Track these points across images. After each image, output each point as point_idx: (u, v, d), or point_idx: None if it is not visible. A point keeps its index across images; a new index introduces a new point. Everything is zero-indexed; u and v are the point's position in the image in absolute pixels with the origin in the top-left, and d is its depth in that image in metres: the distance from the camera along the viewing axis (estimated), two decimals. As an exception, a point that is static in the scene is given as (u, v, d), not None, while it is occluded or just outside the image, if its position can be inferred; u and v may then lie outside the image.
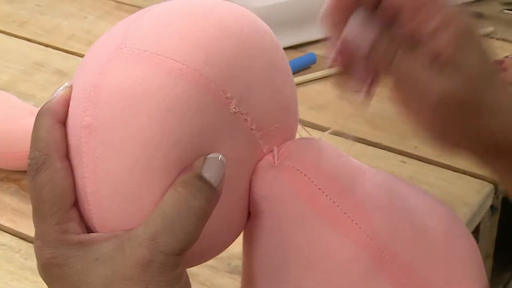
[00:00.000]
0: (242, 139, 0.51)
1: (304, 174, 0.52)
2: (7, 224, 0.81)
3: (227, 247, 0.55)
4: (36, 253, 0.49)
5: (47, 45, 1.09)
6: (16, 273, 0.76)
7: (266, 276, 0.53)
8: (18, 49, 1.08)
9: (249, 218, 0.54)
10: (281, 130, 0.53)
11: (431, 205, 0.56)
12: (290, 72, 0.55)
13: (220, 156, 0.48)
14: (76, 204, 0.49)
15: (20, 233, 0.80)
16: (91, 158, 0.48)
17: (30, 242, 0.78)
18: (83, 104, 0.48)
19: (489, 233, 0.92)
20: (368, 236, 0.51)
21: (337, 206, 0.52)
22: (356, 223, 0.51)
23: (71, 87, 0.50)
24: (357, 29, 0.56)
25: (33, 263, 0.75)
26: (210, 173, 0.47)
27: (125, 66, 0.48)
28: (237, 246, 0.55)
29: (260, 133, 0.51)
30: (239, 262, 0.72)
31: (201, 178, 0.47)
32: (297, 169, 0.52)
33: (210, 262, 0.75)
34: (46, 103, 0.50)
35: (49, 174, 0.48)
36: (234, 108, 0.49)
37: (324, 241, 0.51)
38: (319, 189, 0.52)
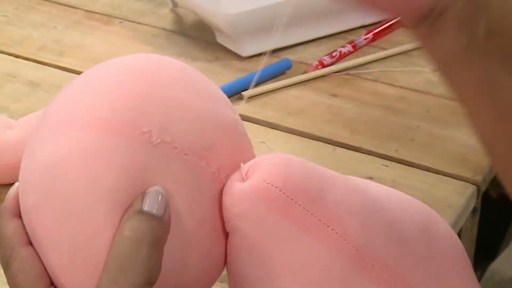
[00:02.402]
0: (178, 166, 0.51)
1: (275, 187, 0.52)
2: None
3: (218, 274, 0.55)
4: None
5: (17, 56, 1.07)
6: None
7: None
8: (-13, 60, 1.06)
9: (228, 238, 0.54)
10: (223, 146, 0.53)
11: (407, 204, 0.57)
12: (219, 92, 0.56)
13: (158, 188, 0.50)
14: (52, 282, 0.51)
15: None
16: (44, 235, 0.51)
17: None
18: (24, 188, 0.52)
19: (469, 234, 0.92)
20: (345, 240, 0.52)
21: (311, 214, 0.52)
22: (332, 229, 0.52)
23: None
24: None
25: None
26: (151, 205, 0.49)
27: (45, 140, 0.51)
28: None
29: (196, 156, 0.52)
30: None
31: (142, 212, 0.49)
32: (267, 183, 0.52)
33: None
34: (1, 205, 0.54)
35: (16, 264, 0.51)
36: (155, 140, 0.51)
37: (303, 250, 0.52)
38: (291, 199, 0.52)
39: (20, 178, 0.53)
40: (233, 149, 0.54)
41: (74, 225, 0.49)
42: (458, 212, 0.83)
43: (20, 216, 0.53)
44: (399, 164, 0.89)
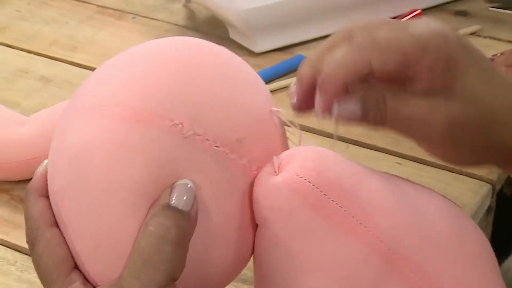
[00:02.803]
0: (209, 159, 0.50)
1: (309, 181, 0.51)
2: (0, 236, 0.80)
3: (243, 266, 0.54)
4: None
5: (29, 51, 1.07)
6: (13, 286, 0.75)
7: (278, 287, 0.53)
8: (-1, 56, 1.06)
9: (257, 229, 0.53)
10: (255, 139, 0.52)
11: (439, 203, 0.56)
12: (257, 81, 0.55)
13: (186, 181, 0.49)
14: (76, 265, 0.51)
15: (15, 244, 0.79)
16: (70, 220, 0.50)
17: (26, 254, 0.77)
18: (52, 172, 0.52)
19: (484, 233, 0.91)
20: (378, 238, 0.51)
21: (345, 210, 0.51)
22: (365, 226, 0.51)
23: None
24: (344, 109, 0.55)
25: (30, 275, 0.75)
26: (178, 200, 0.48)
27: (75, 126, 0.51)
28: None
29: (228, 148, 0.51)
30: (245, 272, 0.71)
31: (169, 207, 0.48)
32: (301, 177, 0.51)
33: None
34: (29, 183, 0.53)
35: (42, 245, 0.51)
36: (187, 131, 0.50)
37: (334, 247, 0.51)
38: (325, 195, 0.51)
39: (49, 159, 0.53)
40: (266, 141, 0.53)
41: (99, 214, 0.49)
42: (473, 211, 0.82)
43: (47, 196, 0.52)
44: (413, 162, 0.88)
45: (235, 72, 0.54)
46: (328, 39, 0.55)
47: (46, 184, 0.53)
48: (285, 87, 0.99)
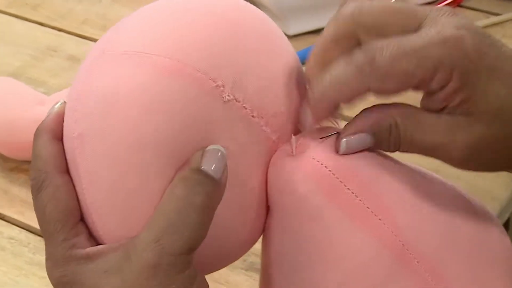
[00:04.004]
0: (243, 128, 0.48)
1: (325, 166, 0.48)
2: (16, 216, 0.79)
3: (249, 247, 0.52)
4: (47, 274, 0.47)
5: (60, 30, 1.06)
6: (24, 268, 0.74)
7: (284, 274, 0.50)
8: (30, 33, 1.05)
9: (268, 213, 0.51)
10: (290, 116, 0.50)
11: (464, 203, 0.52)
12: (294, 56, 0.52)
13: (219, 147, 0.46)
14: (83, 218, 0.48)
15: (29, 225, 0.78)
16: (86, 169, 0.46)
17: (39, 235, 0.75)
18: (74, 115, 0.47)
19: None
20: (392, 233, 0.48)
21: (360, 200, 0.48)
22: (380, 219, 0.48)
23: (65, 103, 0.49)
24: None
25: (42, 257, 0.73)
26: (209, 165, 0.45)
27: (107, 70, 0.46)
28: (253, 242, 0.52)
29: (263, 120, 0.48)
30: (255, 259, 0.69)
31: (200, 171, 0.45)
32: (317, 161, 0.49)
33: (225, 258, 0.73)
34: (42, 122, 0.49)
35: (50, 191, 0.47)
36: (228, 96, 0.47)
37: (345, 238, 0.48)
38: (341, 182, 0.48)
39: (69, 101, 0.48)
40: (298, 119, 0.51)
41: (121, 166, 0.45)
42: (503, 205, 0.78)
43: (60, 139, 0.48)
44: (443, 152, 0.84)
45: (279, 43, 0.51)
46: (333, 26, 0.51)
47: (61, 126, 0.49)
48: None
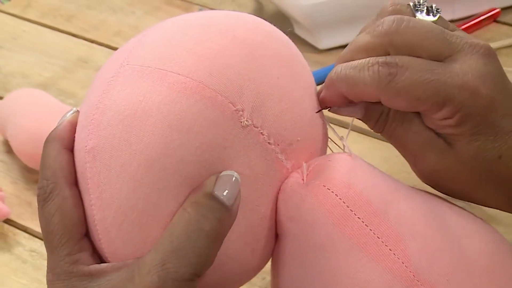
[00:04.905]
0: (259, 154, 0.47)
1: (335, 194, 0.48)
2: (38, 229, 0.78)
3: (255, 274, 0.51)
4: (48, 287, 0.47)
5: (92, 41, 1.06)
6: (44, 281, 0.73)
7: None
8: (62, 44, 1.05)
9: (277, 240, 0.50)
10: (305, 144, 0.49)
11: (475, 228, 0.51)
12: (313, 83, 0.52)
13: (233, 173, 0.45)
14: (87, 234, 0.47)
15: (51, 239, 0.77)
16: (96, 184, 0.45)
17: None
18: (87, 128, 0.46)
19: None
20: (403, 263, 0.47)
21: (370, 230, 0.47)
22: (390, 249, 0.47)
23: (78, 111, 0.49)
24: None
25: (62, 271, 0.73)
26: (222, 191, 0.44)
27: (126, 84, 0.45)
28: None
29: (279, 148, 0.48)
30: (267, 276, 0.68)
31: (212, 197, 0.44)
32: (328, 188, 0.48)
33: (245, 276, 0.71)
34: (53, 130, 0.48)
35: (57, 203, 0.46)
36: (246, 121, 0.46)
37: (355, 268, 0.47)
38: (351, 210, 0.48)
39: (83, 113, 0.48)
40: (313, 148, 0.51)
41: (133, 183, 0.44)
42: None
43: (71, 150, 0.48)
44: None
45: (299, 69, 0.51)
46: (366, 37, 0.51)
47: (73, 136, 0.48)
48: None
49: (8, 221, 0.79)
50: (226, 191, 0.44)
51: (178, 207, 0.45)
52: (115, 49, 1.04)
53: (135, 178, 0.45)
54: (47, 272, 0.47)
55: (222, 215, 0.44)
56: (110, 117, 0.45)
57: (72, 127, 0.48)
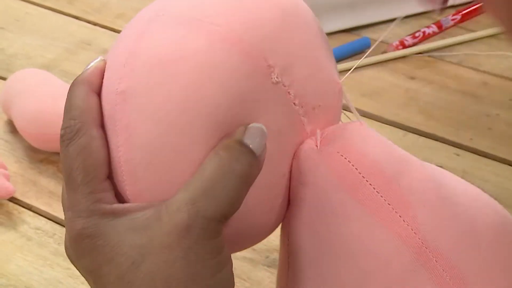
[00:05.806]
0: (284, 112, 0.48)
1: (348, 161, 0.48)
2: (43, 207, 0.79)
3: (269, 233, 0.52)
4: (66, 226, 0.46)
5: (94, 24, 1.06)
6: (49, 258, 0.74)
7: (302, 269, 0.50)
8: (64, 26, 1.06)
9: (288, 206, 0.51)
10: (325, 110, 0.50)
11: (483, 203, 0.52)
12: (332, 54, 0.53)
13: (261, 126, 0.46)
14: (110, 177, 0.47)
15: (56, 217, 0.78)
16: (126, 126, 0.46)
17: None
18: (119, 72, 0.46)
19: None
20: (412, 230, 0.48)
21: (381, 197, 0.48)
22: (400, 216, 0.48)
23: (105, 60, 0.49)
24: None
25: (66, 249, 0.74)
26: (251, 140, 0.45)
27: (163, 31, 0.46)
28: (276, 238, 0.52)
29: (303, 110, 0.49)
30: (277, 255, 0.69)
31: (242, 144, 0.45)
32: (341, 155, 0.49)
33: (248, 254, 0.73)
34: (80, 74, 0.48)
35: (84, 141, 0.46)
36: (276, 78, 0.47)
37: (365, 234, 0.48)
38: (363, 177, 0.48)
39: (112, 58, 0.48)
40: (332, 115, 0.51)
41: (164, 125, 0.45)
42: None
43: (98, 93, 0.48)
44: (472, 154, 0.84)
45: (323, 40, 0.52)
46: None
47: (100, 80, 0.48)
48: (347, 70, 0.96)
49: (13, 199, 0.80)
50: (255, 140, 0.45)
51: (207, 152, 0.45)
52: (118, 31, 1.05)
53: (166, 119, 0.45)
54: (66, 211, 0.46)
55: (252, 160, 0.45)
56: (145, 60, 0.46)
57: (100, 72, 0.48)
